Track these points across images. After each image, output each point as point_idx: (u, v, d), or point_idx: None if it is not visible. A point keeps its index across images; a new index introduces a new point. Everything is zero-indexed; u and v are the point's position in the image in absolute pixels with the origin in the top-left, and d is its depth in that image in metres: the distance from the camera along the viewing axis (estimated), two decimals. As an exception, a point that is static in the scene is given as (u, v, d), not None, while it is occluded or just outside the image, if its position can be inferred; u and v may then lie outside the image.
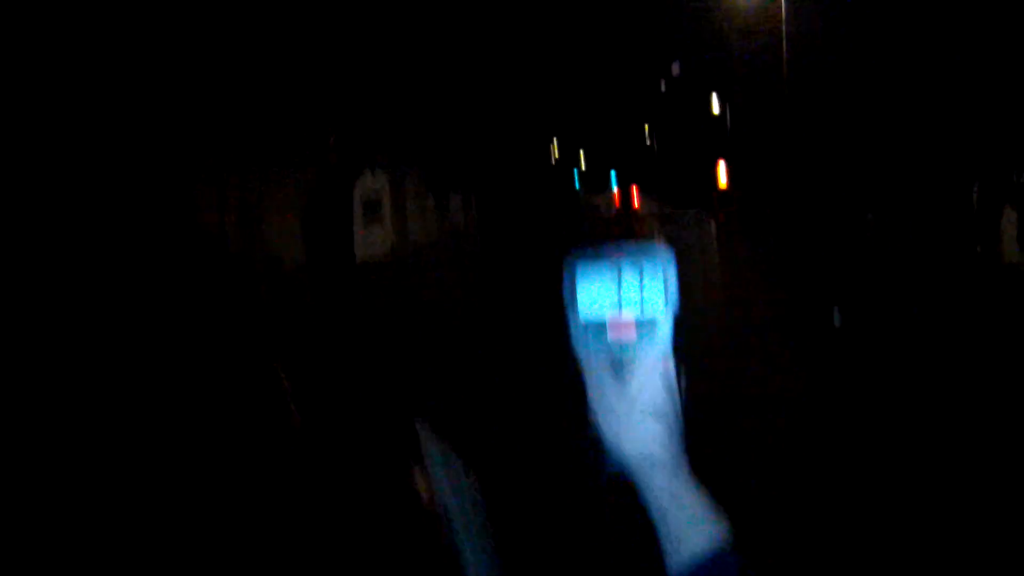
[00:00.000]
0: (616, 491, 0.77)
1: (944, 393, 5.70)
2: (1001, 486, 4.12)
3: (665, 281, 0.70)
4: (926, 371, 6.34)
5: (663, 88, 34.61)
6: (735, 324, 8.67)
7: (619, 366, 0.73)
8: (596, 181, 34.87)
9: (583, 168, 39.21)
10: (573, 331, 0.72)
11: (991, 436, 4.82)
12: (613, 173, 38.51)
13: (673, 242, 0.70)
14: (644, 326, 0.70)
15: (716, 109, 28.25)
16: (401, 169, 17.07)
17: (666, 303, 0.70)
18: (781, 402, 6.18)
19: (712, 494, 0.69)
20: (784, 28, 19.72)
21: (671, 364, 0.71)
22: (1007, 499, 3.96)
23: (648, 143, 38.58)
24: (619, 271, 0.70)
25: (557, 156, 38.01)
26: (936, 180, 11.97)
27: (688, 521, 0.67)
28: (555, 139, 36.76)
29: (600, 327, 0.71)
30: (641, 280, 0.69)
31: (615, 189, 35.01)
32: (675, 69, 31.45)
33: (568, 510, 4.48)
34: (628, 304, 0.70)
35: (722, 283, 11.10)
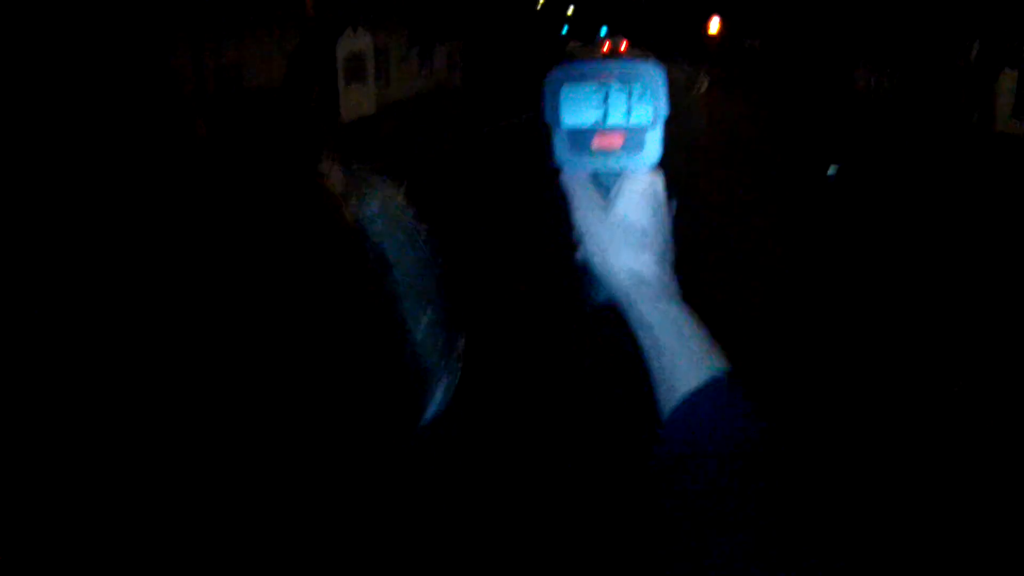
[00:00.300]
0: (603, 321, 0.75)
1: (932, 242, 5.77)
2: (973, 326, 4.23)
3: (654, 93, 0.65)
4: (916, 222, 6.42)
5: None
6: (729, 174, 8.73)
7: (604, 183, 0.68)
8: (585, 36, 34.08)
9: (572, 23, 38.23)
10: (556, 146, 0.67)
11: (976, 281, 4.92)
12: (604, 28, 37.63)
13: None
14: (631, 137, 0.66)
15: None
16: (384, 26, 16.57)
17: (655, 114, 0.66)
18: (774, 240, 6.38)
19: (707, 323, 0.63)
20: None
21: (660, 183, 0.67)
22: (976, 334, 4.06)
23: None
24: (606, 83, 0.65)
25: (544, 9, 36.94)
26: (934, 38, 11.71)
27: (680, 351, 0.62)
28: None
29: (584, 140, 0.66)
30: (629, 91, 0.65)
31: (605, 45, 34.36)
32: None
33: (552, 343, 4.57)
34: (615, 114, 0.65)
35: (717, 134, 11.04)
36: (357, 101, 14.72)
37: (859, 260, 5.78)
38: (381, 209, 0.50)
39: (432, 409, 0.51)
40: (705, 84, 20.03)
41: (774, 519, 0.52)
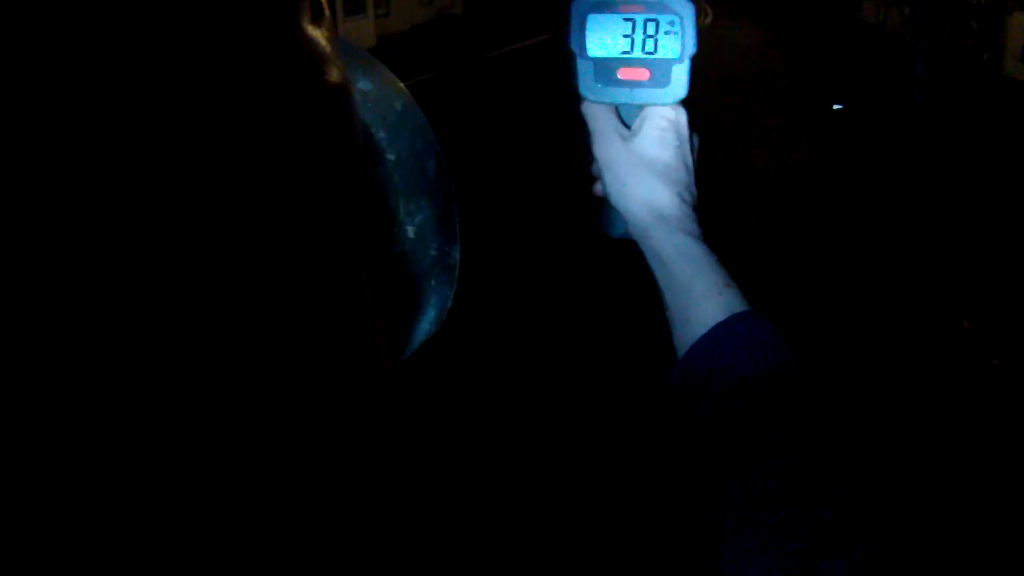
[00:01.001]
0: (620, 254, 0.72)
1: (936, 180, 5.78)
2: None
3: (683, 26, 0.64)
4: (920, 159, 6.43)
5: None
6: (735, 103, 8.73)
7: (627, 115, 0.69)
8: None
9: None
10: (580, 75, 0.67)
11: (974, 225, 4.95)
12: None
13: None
14: (658, 70, 0.65)
15: None
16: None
17: (683, 48, 0.65)
18: (789, 169, 6.44)
19: (725, 257, 0.62)
20: None
21: (684, 117, 0.67)
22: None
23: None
24: (633, 13, 0.65)
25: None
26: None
27: (695, 287, 0.60)
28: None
29: (609, 70, 0.66)
30: (657, 23, 0.65)
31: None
32: None
33: (567, 273, 4.58)
34: (641, 46, 0.65)
35: (723, 66, 10.93)
36: (356, 34, 14.48)
37: (868, 193, 5.82)
38: (374, 85, 0.43)
39: (423, 331, 0.44)
40: (710, 16, 19.70)
41: (799, 457, 0.51)
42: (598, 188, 0.70)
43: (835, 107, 8.51)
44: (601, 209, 0.71)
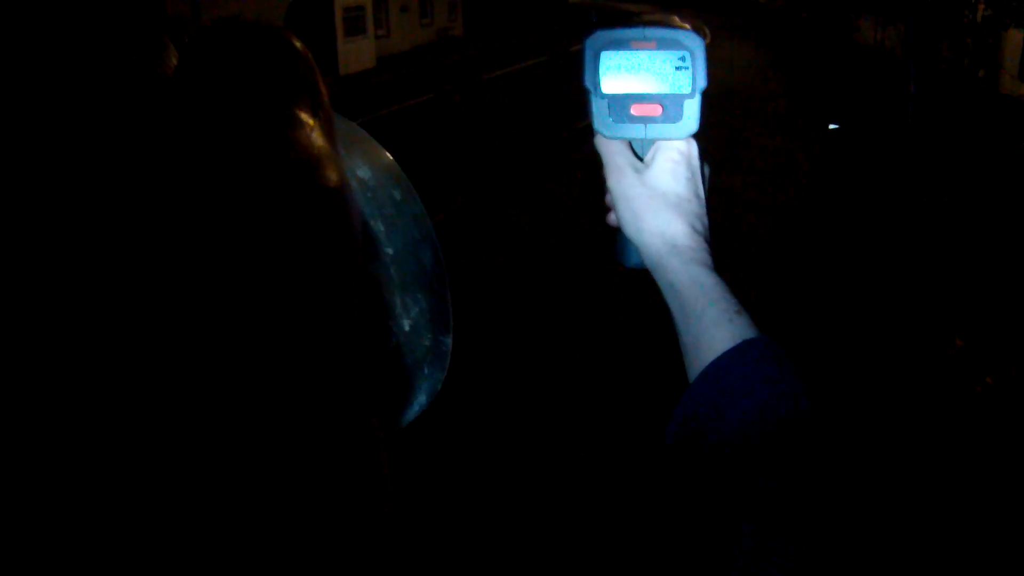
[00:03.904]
0: (634, 285, 0.74)
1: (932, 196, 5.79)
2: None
3: (695, 62, 0.66)
4: (916, 184, 6.45)
5: None
6: (734, 121, 8.80)
7: (640, 147, 0.70)
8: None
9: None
10: (594, 112, 0.68)
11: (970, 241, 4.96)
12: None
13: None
14: (670, 105, 0.67)
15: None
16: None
17: (694, 84, 0.66)
18: (791, 186, 6.47)
19: (736, 286, 0.63)
20: None
21: (695, 150, 0.68)
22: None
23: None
24: (646, 50, 0.67)
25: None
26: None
27: (708, 317, 0.61)
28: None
29: (622, 106, 0.68)
30: (669, 59, 0.66)
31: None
32: None
33: (581, 303, 4.59)
34: (654, 82, 0.67)
35: (720, 84, 11.05)
36: (357, 54, 14.57)
37: (867, 215, 5.83)
38: (373, 172, 0.42)
39: (412, 412, 0.45)
40: (708, 37, 19.84)
41: (806, 477, 0.51)
42: (612, 219, 0.71)
43: (831, 126, 8.59)
44: (616, 240, 0.72)
